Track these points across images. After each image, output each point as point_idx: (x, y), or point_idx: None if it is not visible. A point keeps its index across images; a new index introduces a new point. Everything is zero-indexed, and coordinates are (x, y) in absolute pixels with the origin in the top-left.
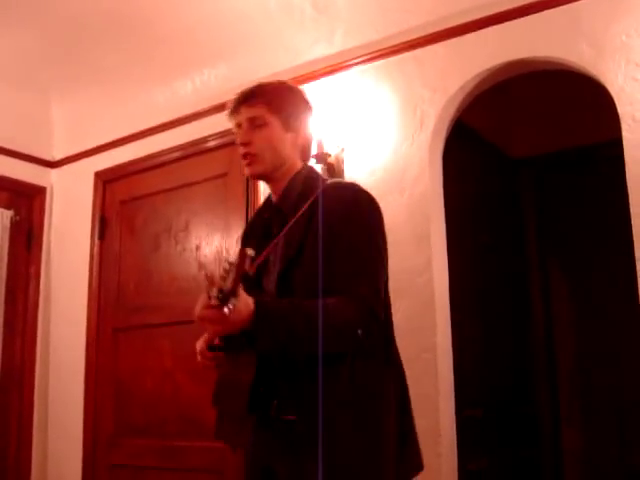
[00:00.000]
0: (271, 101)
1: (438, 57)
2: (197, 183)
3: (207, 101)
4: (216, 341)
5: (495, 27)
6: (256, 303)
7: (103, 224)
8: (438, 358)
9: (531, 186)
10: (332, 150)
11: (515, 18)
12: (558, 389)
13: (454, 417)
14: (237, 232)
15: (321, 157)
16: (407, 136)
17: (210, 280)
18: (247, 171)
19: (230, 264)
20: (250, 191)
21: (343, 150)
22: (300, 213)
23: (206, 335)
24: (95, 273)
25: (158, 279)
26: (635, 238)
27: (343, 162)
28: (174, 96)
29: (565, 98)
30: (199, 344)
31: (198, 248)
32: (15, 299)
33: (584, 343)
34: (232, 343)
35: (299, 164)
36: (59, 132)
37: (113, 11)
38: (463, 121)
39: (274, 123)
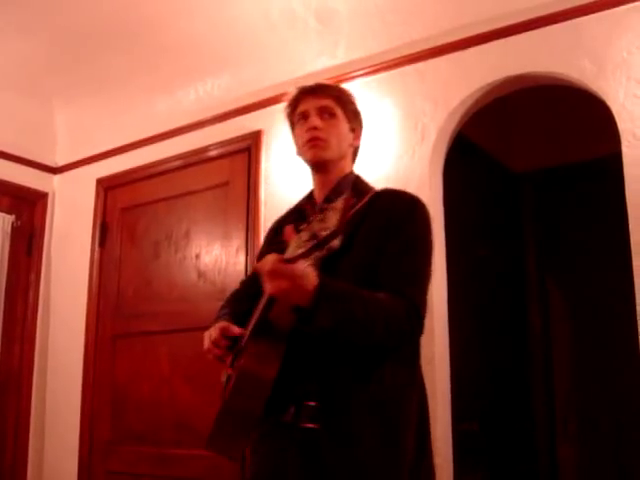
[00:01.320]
0: (339, 97)
1: (440, 70)
2: (198, 192)
3: (210, 110)
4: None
5: (497, 42)
6: (320, 278)
7: (104, 231)
8: (436, 370)
9: (531, 200)
10: None
11: (517, 33)
12: (555, 404)
13: (451, 430)
14: (237, 241)
15: None
16: (408, 149)
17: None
18: (311, 154)
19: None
20: (251, 200)
21: None
22: (358, 207)
23: (220, 325)
24: (95, 279)
25: (157, 286)
26: (633, 253)
27: None
28: (177, 105)
29: (566, 113)
30: (213, 333)
31: (198, 256)
32: (14, 304)
33: (581, 359)
34: (259, 332)
35: (351, 165)
36: (62, 138)
37: (118, 19)
38: (464, 135)
39: (341, 117)
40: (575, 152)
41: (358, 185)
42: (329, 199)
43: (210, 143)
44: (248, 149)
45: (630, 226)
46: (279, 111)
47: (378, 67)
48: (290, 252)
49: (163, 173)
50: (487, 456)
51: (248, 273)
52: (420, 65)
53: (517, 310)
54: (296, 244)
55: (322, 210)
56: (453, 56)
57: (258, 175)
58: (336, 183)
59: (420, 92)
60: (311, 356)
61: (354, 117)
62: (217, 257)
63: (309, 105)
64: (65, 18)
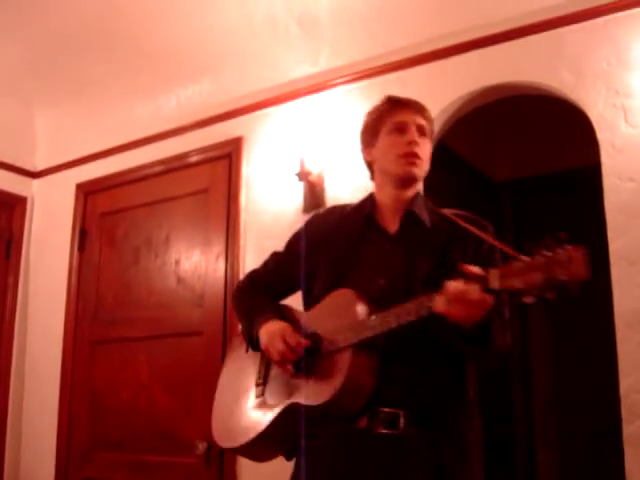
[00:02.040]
0: (431, 120)
1: (421, 79)
2: (178, 198)
3: (190, 116)
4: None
5: (478, 51)
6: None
7: (83, 236)
8: None
9: (510, 209)
10: (314, 168)
11: (498, 43)
12: (534, 411)
13: None
14: (217, 247)
15: (303, 175)
16: None
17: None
18: (407, 170)
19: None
20: (231, 207)
21: (325, 169)
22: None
23: (292, 329)
24: (74, 285)
25: (137, 292)
26: (612, 263)
27: (324, 181)
28: (158, 110)
29: (546, 123)
30: (291, 339)
31: (177, 262)
32: None
33: (560, 365)
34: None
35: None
36: (42, 143)
37: (99, 24)
38: (445, 143)
39: (429, 139)
40: (554, 161)
41: (428, 205)
42: (417, 221)
43: (191, 149)
44: (229, 155)
45: (609, 236)
46: (260, 117)
47: (360, 75)
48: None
49: (143, 178)
50: None
51: (285, 261)
52: (402, 73)
53: None
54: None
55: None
56: (434, 65)
57: (239, 181)
58: (411, 203)
59: None
60: (392, 366)
61: (432, 139)
62: (197, 263)
63: (409, 118)
64: (46, 21)
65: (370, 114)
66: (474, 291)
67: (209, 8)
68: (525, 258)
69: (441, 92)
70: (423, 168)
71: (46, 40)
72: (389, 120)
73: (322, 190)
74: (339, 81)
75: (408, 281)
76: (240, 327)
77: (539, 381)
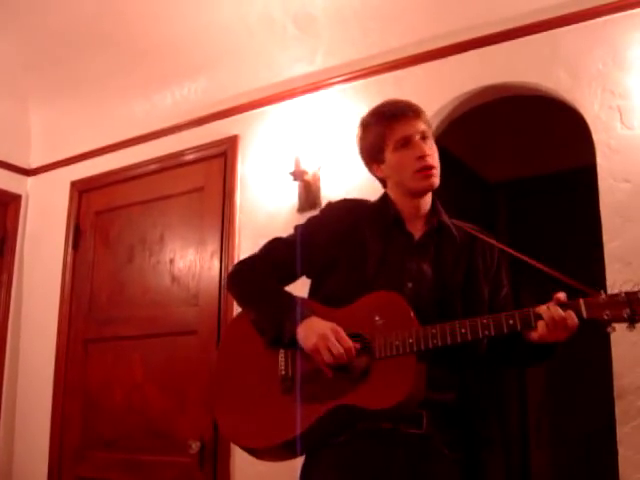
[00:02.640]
0: (427, 119)
1: (417, 79)
2: (173, 196)
3: (186, 115)
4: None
5: (474, 51)
6: None
7: (77, 234)
8: None
9: (506, 210)
10: (309, 168)
11: (494, 43)
12: (527, 412)
13: None
14: (212, 246)
15: (298, 174)
16: None
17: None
18: (427, 184)
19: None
20: (226, 205)
21: (320, 168)
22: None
23: (343, 333)
24: (68, 283)
25: (131, 291)
26: (607, 264)
27: (319, 180)
28: (153, 108)
29: (542, 124)
30: (343, 343)
31: (172, 261)
32: None
33: (553, 366)
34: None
35: None
36: (36, 140)
37: (95, 22)
38: (440, 144)
39: (432, 139)
40: (550, 162)
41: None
42: (441, 227)
43: (186, 147)
44: (224, 154)
45: (604, 237)
46: (256, 116)
47: (356, 74)
48: None
49: (138, 177)
50: (459, 463)
51: (297, 250)
52: (397, 73)
53: None
54: None
55: None
56: (430, 65)
57: (234, 180)
58: (433, 210)
59: None
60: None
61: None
62: (191, 262)
63: (410, 130)
64: (41, 19)
65: (366, 133)
66: (573, 318)
67: (205, 6)
68: (611, 294)
69: (437, 92)
70: (439, 175)
71: (41, 37)
72: (391, 137)
73: (317, 189)
74: (335, 80)
75: (439, 289)
76: (251, 315)
77: (533, 381)
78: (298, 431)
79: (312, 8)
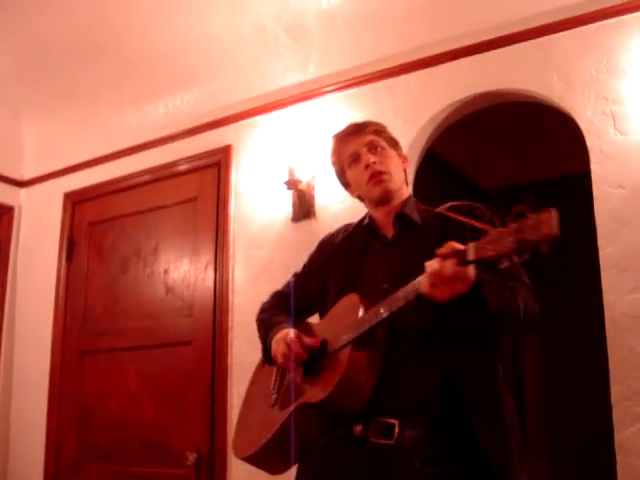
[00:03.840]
0: (377, 130)
1: (410, 87)
2: (167, 207)
3: (179, 125)
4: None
5: (467, 59)
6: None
7: (71, 245)
8: None
9: (500, 217)
10: (303, 177)
11: (487, 50)
12: (525, 420)
13: None
14: (206, 257)
15: (292, 184)
16: None
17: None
18: (379, 190)
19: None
20: (220, 216)
21: (314, 177)
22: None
23: (296, 332)
24: (62, 295)
25: (125, 302)
26: (602, 270)
27: (314, 189)
28: (146, 119)
29: (535, 130)
30: (293, 342)
31: (166, 272)
32: None
33: (551, 374)
34: (361, 342)
35: (407, 189)
36: (29, 151)
37: (87, 33)
38: (434, 151)
39: (387, 147)
40: (544, 169)
41: (420, 206)
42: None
43: (179, 158)
44: (217, 164)
45: (599, 242)
46: (249, 126)
47: (349, 83)
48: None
49: (131, 188)
50: None
51: (302, 279)
52: (390, 81)
53: None
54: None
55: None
56: (423, 72)
57: (227, 190)
58: (402, 207)
59: (390, 108)
60: (395, 371)
61: (395, 144)
62: (186, 272)
63: (356, 145)
64: (34, 31)
65: (331, 160)
66: (448, 267)
67: (197, 17)
68: (500, 228)
69: (430, 100)
70: (394, 177)
71: (34, 49)
72: (344, 156)
73: (311, 199)
74: (328, 89)
75: (409, 282)
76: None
77: (530, 390)
78: (267, 437)
79: (304, 17)
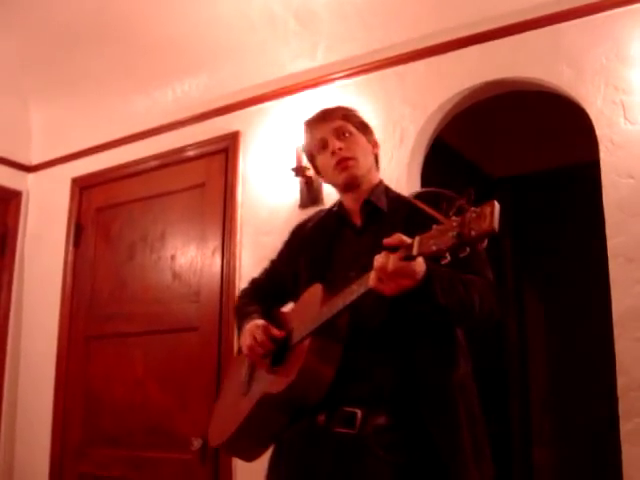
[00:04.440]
0: (346, 115)
1: (419, 74)
2: (174, 192)
3: (187, 110)
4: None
5: (476, 46)
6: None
7: (78, 231)
8: None
9: (509, 206)
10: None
11: (497, 38)
12: (530, 408)
13: None
14: (213, 243)
15: (300, 170)
16: (386, 152)
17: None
18: (345, 175)
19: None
20: (227, 202)
21: None
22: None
23: (263, 323)
24: (69, 280)
25: (132, 288)
26: (610, 260)
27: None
28: (154, 105)
29: (544, 119)
30: (258, 332)
31: (173, 258)
32: None
33: (556, 362)
34: (321, 332)
35: (377, 175)
36: (37, 137)
37: (95, 18)
38: (443, 139)
39: (355, 133)
40: (554, 158)
41: (390, 194)
42: (376, 210)
43: (187, 144)
44: (225, 150)
45: (607, 232)
46: (257, 112)
47: (357, 70)
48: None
49: (139, 173)
50: None
51: (276, 266)
52: (399, 68)
53: None
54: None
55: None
56: (432, 60)
57: (235, 176)
58: (369, 194)
59: (399, 95)
60: (357, 361)
61: (365, 128)
62: (193, 259)
63: (323, 131)
64: (42, 16)
65: (303, 147)
66: (391, 262)
67: (206, 2)
68: (441, 223)
69: (439, 87)
70: (361, 164)
71: (42, 34)
72: (313, 143)
73: (319, 185)
74: (337, 76)
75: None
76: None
77: (536, 378)
78: (235, 427)
79: (313, 4)
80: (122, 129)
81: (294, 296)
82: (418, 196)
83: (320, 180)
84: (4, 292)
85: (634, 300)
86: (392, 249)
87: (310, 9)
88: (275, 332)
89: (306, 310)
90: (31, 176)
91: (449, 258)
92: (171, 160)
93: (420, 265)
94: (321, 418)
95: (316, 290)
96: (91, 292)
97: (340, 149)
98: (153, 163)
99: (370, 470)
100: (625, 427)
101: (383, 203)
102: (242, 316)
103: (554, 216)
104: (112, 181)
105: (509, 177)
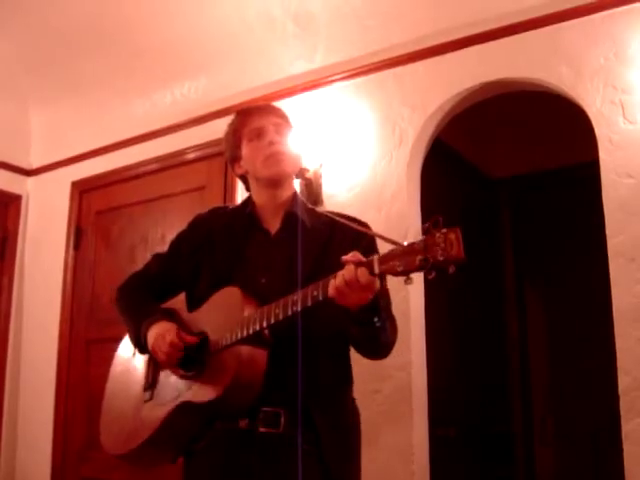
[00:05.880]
0: (285, 117)
1: (418, 75)
2: (174, 195)
3: (186, 113)
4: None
5: (475, 47)
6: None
7: (78, 234)
8: (412, 376)
9: (509, 206)
10: (311, 165)
11: (495, 39)
12: (532, 409)
13: (427, 436)
14: None
15: (300, 172)
16: (386, 153)
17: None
18: (276, 169)
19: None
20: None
21: (321, 166)
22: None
23: (175, 328)
24: (69, 284)
25: None
26: (610, 259)
27: (321, 178)
28: (153, 107)
29: (544, 119)
30: (169, 336)
31: None
32: None
33: (558, 363)
34: (250, 339)
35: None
36: (37, 140)
37: (94, 21)
38: (442, 140)
39: (289, 137)
40: (553, 158)
41: (306, 206)
42: (293, 218)
43: (187, 146)
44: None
45: (607, 232)
46: None
47: (356, 71)
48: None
49: (139, 176)
50: (465, 461)
51: (168, 261)
52: (398, 70)
53: (495, 314)
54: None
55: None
56: (431, 61)
57: (235, 179)
58: (292, 204)
59: (398, 97)
60: (274, 365)
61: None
62: None
63: (264, 122)
64: (41, 19)
65: (226, 131)
66: (362, 274)
67: (205, 5)
68: (406, 244)
69: (438, 88)
70: (291, 163)
71: (41, 37)
72: (246, 130)
73: (319, 187)
74: (335, 78)
75: (289, 280)
76: (127, 331)
77: (537, 378)
78: (145, 435)
79: (312, 6)
80: (122, 132)
81: (189, 295)
82: (341, 217)
83: (233, 170)
84: (4, 296)
85: (635, 299)
86: (356, 264)
87: (308, 11)
88: (188, 338)
89: (223, 314)
90: (31, 180)
91: (411, 281)
92: (171, 163)
93: (378, 282)
94: (243, 422)
95: (234, 294)
96: (91, 295)
97: (278, 142)
98: (153, 166)
99: (297, 465)
100: (626, 427)
101: (306, 218)
102: (138, 313)
103: (554, 216)
104: (112, 184)
105: (508, 177)
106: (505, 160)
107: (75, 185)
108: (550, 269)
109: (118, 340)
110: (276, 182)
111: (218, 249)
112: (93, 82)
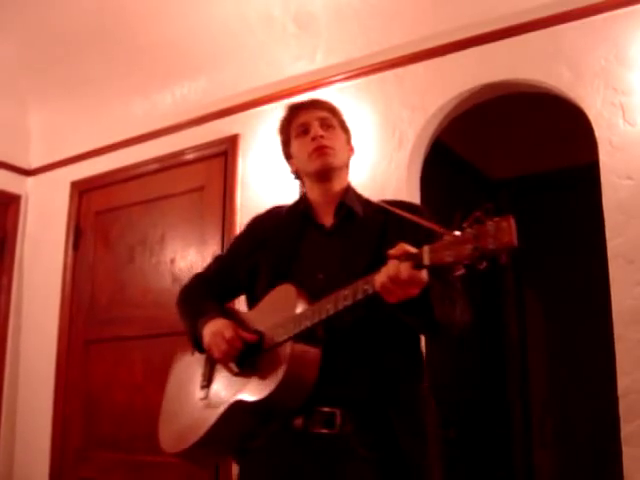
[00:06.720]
0: (333, 109)
1: (418, 76)
2: (174, 196)
3: (186, 114)
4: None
5: (476, 48)
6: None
7: (78, 234)
8: None
9: (509, 208)
10: None
11: (496, 40)
12: (531, 410)
13: None
14: (213, 246)
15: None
16: (386, 155)
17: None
18: (321, 162)
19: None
20: (226, 205)
21: None
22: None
23: (233, 325)
24: (68, 284)
25: (132, 291)
26: (610, 261)
27: None
28: (153, 108)
29: (543, 121)
30: (228, 333)
31: (173, 261)
32: None
33: (557, 365)
34: (302, 337)
35: (347, 177)
36: (36, 140)
37: (94, 21)
38: (442, 141)
39: (338, 129)
40: (553, 160)
41: (360, 198)
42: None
43: (186, 147)
44: (225, 153)
45: (607, 234)
46: (256, 115)
47: (356, 72)
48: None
49: (138, 177)
50: (464, 463)
51: (228, 261)
52: (398, 71)
53: (494, 316)
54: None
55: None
56: (432, 62)
57: (234, 179)
58: (343, 195)
59: (398, 98)
60: (330, 363)
61: (346, 129)
62: (192, 262)
63: (309, 117)
64: (41, 19)
65: (279, 128)
66: (404, 270)
67: (205, 5)
68: (456, 233)
69: (439, 90)
70: (338, 156)
71: (41, 37)
72: (293, 126)
73: None
74: (336, 78)
75: (347, 274)
76: (185, 328)
77: (536, 380)
78: (201, 433)
79: (312, 6)
80: (121, 132)
81: (250, 294)
82: (391, 204)
83: (289, 168)
84: (3, 296)
85: (634, 301)
86: (401, 257)
87: (309, 12)
88: (246, 335)
89: (278, 311)
90: (30, 180)
91: (464, 270)
92: (170, 163)
93: (426, 275)
94: (298, 422)
95: (289, 291)
96: (90, 296)
97: (322, 136)
98: (152, 166)
99: (353, 468)
100: (626, 429)
101: (358, 207)
102: (196, 314)
103: (554, 218)
104: (111, 184)
105: (509, 179)
106: (505, 162)
107: (74, 185)
108: (550, 270)
109: (117, 340)
110: (324, 176)
111: (275, 248)
112: (93, 82)
